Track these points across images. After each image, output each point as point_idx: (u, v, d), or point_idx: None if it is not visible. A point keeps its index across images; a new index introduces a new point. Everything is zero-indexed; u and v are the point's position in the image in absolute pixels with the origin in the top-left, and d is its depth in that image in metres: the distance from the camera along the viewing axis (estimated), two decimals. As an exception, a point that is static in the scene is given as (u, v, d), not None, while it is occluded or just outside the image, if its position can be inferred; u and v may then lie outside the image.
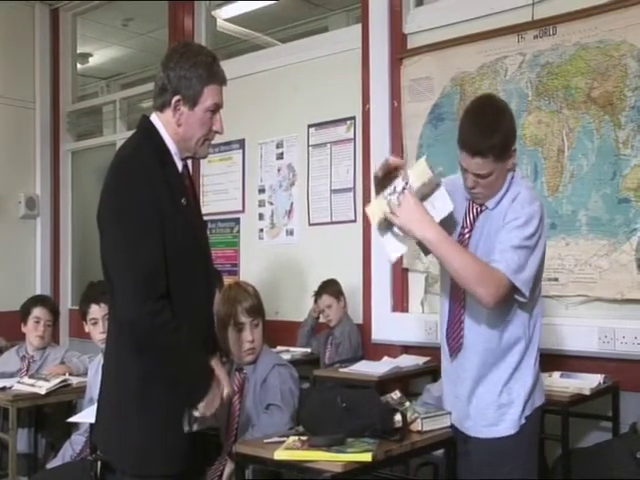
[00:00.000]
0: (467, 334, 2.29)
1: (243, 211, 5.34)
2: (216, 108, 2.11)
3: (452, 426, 2.41)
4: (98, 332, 3.44)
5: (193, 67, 2.05)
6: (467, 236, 2.29)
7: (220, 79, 2.12)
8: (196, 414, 2.03)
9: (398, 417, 2.40)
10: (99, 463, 2.85)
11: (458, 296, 2.32)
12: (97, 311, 3.47)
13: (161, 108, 2.09)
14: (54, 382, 3.57)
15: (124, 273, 1.95)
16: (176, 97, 2.05)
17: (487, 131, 2.15)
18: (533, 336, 2.27)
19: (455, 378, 2.35)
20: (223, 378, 2.13)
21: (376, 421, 2.34)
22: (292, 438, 2.32)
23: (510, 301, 2.20)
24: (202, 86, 2.06)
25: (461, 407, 2.33)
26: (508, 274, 2.12)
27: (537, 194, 2.36)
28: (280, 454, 2.22)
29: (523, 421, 2.22)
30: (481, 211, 2.28)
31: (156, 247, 1.95)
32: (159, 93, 2.09)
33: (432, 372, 3.89)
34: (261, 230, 5.21)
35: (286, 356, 3.91)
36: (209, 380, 2.05)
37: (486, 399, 2.24)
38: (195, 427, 2.06)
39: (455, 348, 2.32)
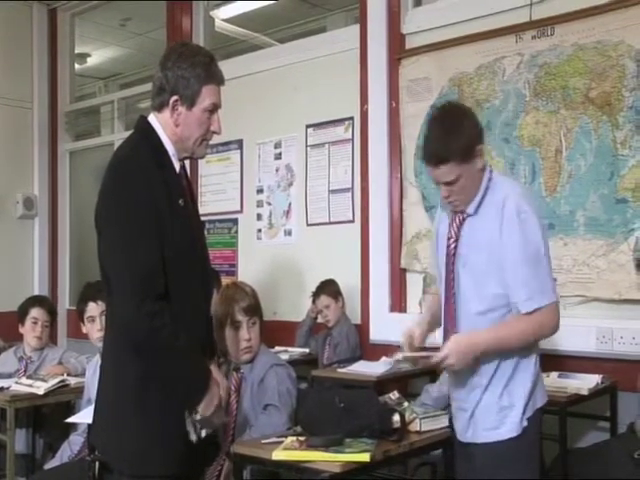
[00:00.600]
0: None
1: (241, 211, 5.34)
2: (214, 108, 2.11)
3: (452, 432, 2.40)
4: (96, 330, 3.43)
5: (191, 67, 2.05)
6: (453, 246, 2.26)
7: (218, 79, 2.12)
8: (197, 417, 2.02)
9: (396, 417, 2.40)
10: (97, 463, 2.84)
11: (449, 307, 2.32)
12: (94, 309, 3.46)
13: (159, 108, 2.09)
14: (52, 382, 3.57)
15: (122, 273, 1.95)
16: (174, 97, 2.05)
17: (444, 137, 2.15)
18: None
19: (460, 388, 2.32)
20: (220, 381, 2.12)
21: (374, 421, 2.35)
22: (290, 438, 2.33)
23: (501, 309, 2.21)
24: (200, 86, 2.06)
25: (465, 416, 2.30)
26: (544, 304, 2.15)
27: (521, 187, 2.35)
28: (278, 454, 2.22)
29: (525, 423, 2.21)
30: (464, 219, 2.25)
31: (154, 247, 1.95)
32: (157, 93, 2.09)
33: (430, 373, 3.88)
34: (259, 230, 5.21)
35: (284, 356, 3.91)
36: (207, 382, 2.04)
37: (487, 403, 2.23)
38: (203, 433, 2.05)
39: None
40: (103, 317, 3.22)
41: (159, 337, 1.92)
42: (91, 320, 3.48)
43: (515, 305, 2.17)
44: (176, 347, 1.96)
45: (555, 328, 2.19)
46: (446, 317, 2.32)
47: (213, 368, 2.13)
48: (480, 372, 2.24)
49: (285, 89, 5.04)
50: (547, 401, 2.38)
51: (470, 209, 2.23)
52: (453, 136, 2.14)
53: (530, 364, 2.25)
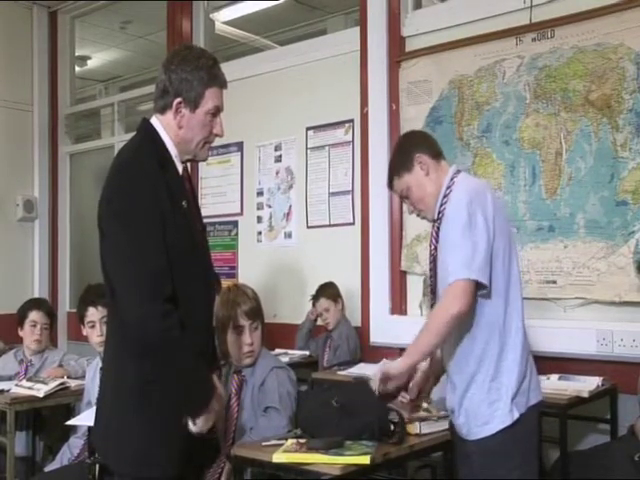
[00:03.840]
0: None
1: (241, 214, 5.34)
2: (217, 111, 2.11)
3: (454, 430, 2.40)
4: (95, 335, 3.43)
5: (195, 70, 2.06)
6: (433, 253, 2.36)
7: (221, 82, 2.12)
8: (194, 430, 2.02)
9: (394, 415, 2.40)
10: (97, 466, 2.85)
11: (433, 304, 2.37)
12: (95, 314, 3.46)
13: (162, 110, 2.09)
14: (52, 385, 3.57)
15: (130, 274, 1.94)
16: (178, 99, 2.06)
17: (389, 162, 2.50)
18: (508, 325, 2.23)
19: (448, 386, 2.35)
20: (220, 396, 2.12)
21: (373, 420, 2.34)
22: (290, 441, 2.33)
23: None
24: (203, 89, 2.07)
25: (455, 416, 2.32)
26: (456, 277, 2.13)
27: (473, 184, 2.36)
28: (278, 457, 2.22)
29: (516, 414, 2.20)
30: (439, 227, 2.33)
31: (160, 250, 1.95)
32: (160, 95, 2.09)
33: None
34: (259, 233, 5.21)
35: (284, 359, 3.91)
36: (209, 398, 2.03)
37: (476, 398, 2.24)
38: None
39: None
40: (104, 323, 3.22)
41: (169, 338, 1.92)
42: (91, 325, 3.47)
43: None
44: (184, 351, 1.96)
45: (456, 305, 2.12)
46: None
47: (215, 379, 2.12)
48: (464, 369, 2.25)
49: (285, 91, 5.05)
50: (544, 402, 2.38)
51: (435, 215, 2.35)
52: (392, 157, 2.51)
53: (516, 355, 2.23)
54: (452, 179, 2.33)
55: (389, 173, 2.45)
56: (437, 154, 2.41)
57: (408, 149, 2.41)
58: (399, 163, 2.41)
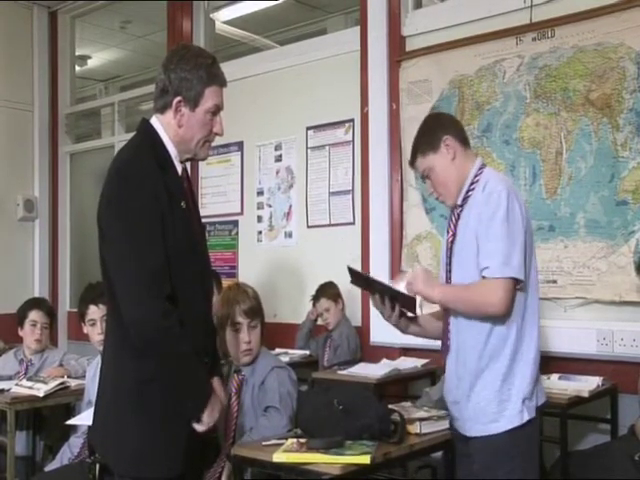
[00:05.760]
0: (456, 331, 2.30)
1: (242, 213, 5.34)
2: (216, 109, 2.11)
3: (453, 428, 2.40)
4: (96, 333, 3.43)
5: (194, 69, 2.06)
6: (450, 240, 2.33)
7: (220, 81, 2.13)
8: (200, 427, 2.03)
9: (395, 416, 2.40)
10: (97, 466, 2.85)
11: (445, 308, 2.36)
12: (95, 312, 3.46)
13: (162, 110, 2.10)
14: (52, 384, 3.57)
15: (131, 275, 1.94)
16: (177, 98, 2.06)
17: (414, 139, 2.42)
18: (525, 327, 2.23)
19: (454, 378, 2.33)
20: (221, 397, 2.12)
21: (374, 421, 2.34)
22: (290, 440, 2.33)
23: None
24: (203, 87, 2.07)
25: (460, 409, 2.31)
26: (498, 274, 2.13)
27: (506, 178, 2.42)
28: (278, 456, 2.22)
29: (526, 417, 2.19)
30: (459, 215, 2.32)
31: (159, 249, 1.96)
32: (160, 95, 2.10)
33: (431, 374, 3.89)
34: (260, 232, 5.21)
35: (285, 358, 3.91)
36: (207, 397, 2.04)
37: (486, 395, 2.22)
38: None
39: (446, 348, 2.34)
40: (104, 321, 3.22)
41: (169, 336, 1.93)
42: (92, 324, 3.48)
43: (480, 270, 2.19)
44: (183, 350, 1.96)
45: (495, 304, 2.14)
46: (444, 316, 2.37)
47: (215, 381, 2.13)
48: (473, 360, 2.24)
49: (285, 91, 5.05)
50: (547, 402, 2.38)
51: (459, 200, 2.31)
52: (418, 134, 2.40)
53: (530, 357, 2.23)
54: (480, 169, 2.31)
55: (413, 150, 2.39)
56: (465, 140, 2.38)
57: (435, 129, 2.36)
58: (425, 141, 2.35)
